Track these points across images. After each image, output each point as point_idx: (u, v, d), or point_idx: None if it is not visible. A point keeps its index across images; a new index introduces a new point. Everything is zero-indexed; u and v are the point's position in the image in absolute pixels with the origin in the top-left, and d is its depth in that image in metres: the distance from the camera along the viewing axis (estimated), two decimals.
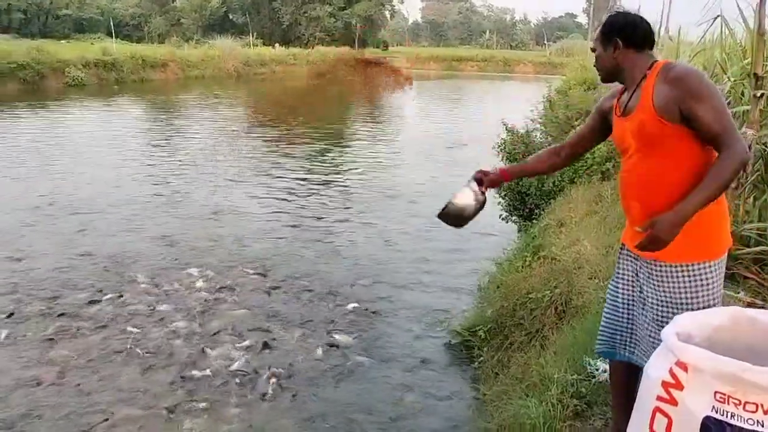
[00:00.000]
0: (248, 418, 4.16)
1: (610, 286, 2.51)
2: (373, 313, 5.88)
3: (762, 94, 3.78)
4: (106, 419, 4.03)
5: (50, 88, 24.10)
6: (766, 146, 4.08)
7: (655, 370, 1.88)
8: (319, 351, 5.11)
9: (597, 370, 2.91)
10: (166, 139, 15.51)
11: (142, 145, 14.37)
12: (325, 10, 54.02)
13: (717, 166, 2.09)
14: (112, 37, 37.77)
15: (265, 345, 5.12)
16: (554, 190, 7.03)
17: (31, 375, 4.56)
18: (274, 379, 4.60)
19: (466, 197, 2.63)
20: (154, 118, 19.56)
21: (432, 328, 5.63)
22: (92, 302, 5.79)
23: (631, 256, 2.37)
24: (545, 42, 67.42)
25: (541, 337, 4.25)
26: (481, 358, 4.88)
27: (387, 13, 65.49)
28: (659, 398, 1.83)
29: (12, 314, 5.48)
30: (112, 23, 42.82)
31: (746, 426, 1.71)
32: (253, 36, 47.18)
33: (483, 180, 2.66)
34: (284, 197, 10.02)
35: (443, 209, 2.67)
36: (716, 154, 2.13)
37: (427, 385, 4.75)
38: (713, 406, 1.75)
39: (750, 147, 3.51)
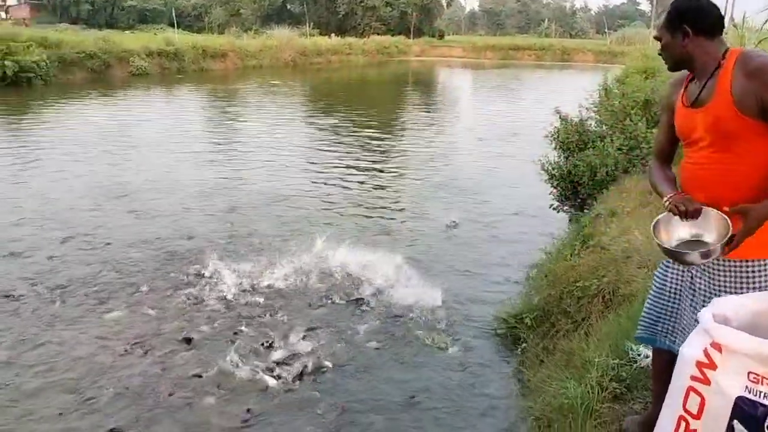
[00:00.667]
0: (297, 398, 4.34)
1: (657, 273, 2.51)
2: (423, 299, 5.96)
3: None
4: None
5: (116, 76, 25.00)
6: None
7: (689, 350, 1.91)
8: (370, 334, 5.26)
9: (639, 355, 2.93)
10: (225, 126, 15.93)
11: (202, 132, 14.82)
12: None
13: None
14: (174, 27, 38.81)
15: (312, 329, 5.30)
16: (607, 180, 6.94)
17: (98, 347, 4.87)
18: (328, 362, 4.75)
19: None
20: (215, 106, 20.07)
21: (480, 316, 5.68)
22: (154, 283, 6.09)
23: None
24: (606, 30, 65.60)
25: (587, 326, 4.25)
26: (526, 345, 4.91)
27: (443, 2, 65.01)
28: (693, 378, 1.87)
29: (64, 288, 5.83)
30: (174, 14, 44.09)
31: None
32: (309, 26, 47.67)
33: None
34: (338, 183, 10.18)
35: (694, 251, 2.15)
36: None
37: (474, 370, 4.82)
38: (746, 386, 1.77)
39: None
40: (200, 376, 4.48)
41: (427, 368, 4.83)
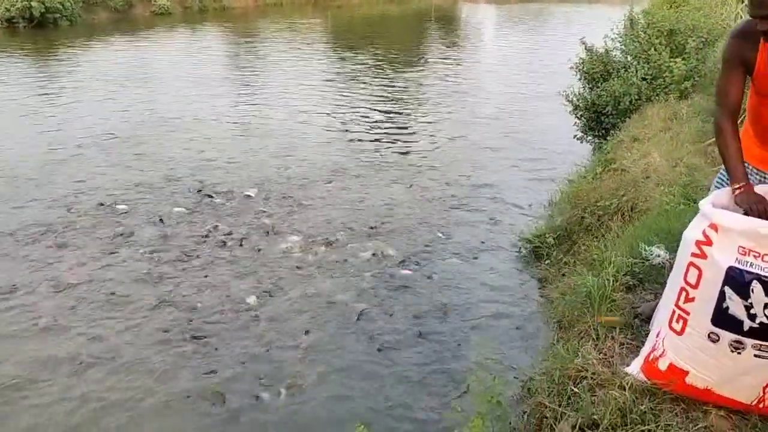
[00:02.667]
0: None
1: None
2: (449, 230, 6.34)
3: None
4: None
5: (138, 16, 25.01)
6: None
7: (691, 233, 2.25)
8: (403, 260, 5.68)
9: (651, 254, 3.27)
10: (246, 65, 16.11)
11: (225, 73, 15.03)
12: None
13: None
14: None
15: (344, 261, 5.74)
16: (630, 109, 7.14)
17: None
18: (363, 305, 5.12)
19: None
20: (236, 45, 20.16)
21: (504, 237, 6.05)
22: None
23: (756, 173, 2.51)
24: None
25: (607, 239, 4.59)
26: (549, 261, 5.29)
27: None
28: (692, 254, 2.22)
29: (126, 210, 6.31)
30: None
31: (763, 273, 2.08)
32: None
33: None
34: (362, 120, 10.46)
35: None
36: None
37: (499, 285, 5.23)
38: (736, 258, 2.12)
39: None
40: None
41: (457, 285, 5.24)
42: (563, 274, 4.82)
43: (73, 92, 11.93)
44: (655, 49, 7.36)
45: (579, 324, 3.32)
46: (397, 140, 9.27)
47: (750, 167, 2.48)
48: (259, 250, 5.66)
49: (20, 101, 11.12)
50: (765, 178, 2.49)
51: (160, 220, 6.26)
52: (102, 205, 6.62)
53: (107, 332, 4.45)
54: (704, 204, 2.26)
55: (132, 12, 25.06)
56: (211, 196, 6.85)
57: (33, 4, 20.08)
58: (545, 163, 8.26)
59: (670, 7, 9.44)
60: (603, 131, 7.66)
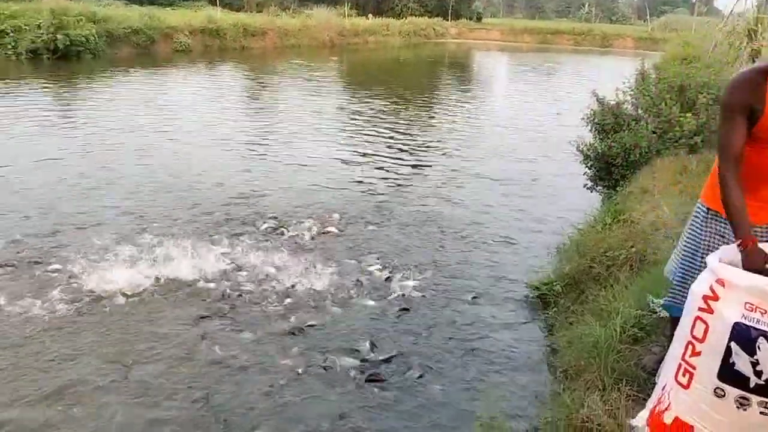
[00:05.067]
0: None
1: (687, 245, 2.81)
2: (454, 273, 6.37)
3: None
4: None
5: (160, 52, 25.65)
6: None
7: (698, 287, 2.29)
8: (404, 297, 5.71)
9: (659, 307, 3.28)
10: (262, 103, 16.44)
11: (241, 110, 15.33)
12: None
13: None
14: (214, 4, 39.34)
15: (359, 282, 5.77)
16: (640, 161, 7.21)
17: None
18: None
19: None
20: (254, 82, 20.60)
21: (512, 283, 6.06)
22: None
23: (721, 221, 2.61)
24: (648, 17, 64.31)
25: (615, 290, 4.60)
26: (557, 309, 5.28)
27: None
28: (699, 309, 2.25)
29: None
30: None
31: None
32: (347, 6, 47.80)
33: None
34: (375, 160, 10.58)
35: None
36: None
37: (505, 332, 5.20)
38: (743, 314, 2.15)
39: None
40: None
41: (461, 329, 5.23)
42: (570, 323, 4.81)
43: (90, 122, 12.18)
44: (666, 104, 7.47)
45: (585, 374, 3.33)
46: (405, 183, 9.37)
47: (717, 215, 2.59)
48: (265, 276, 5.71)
49: (40, 130, 11.36)
50: (757, 231, 2.51)
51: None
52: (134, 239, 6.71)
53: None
54: (712, 259, 2.30)
55: (154, 48, 25.71)
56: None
57: (58, 36, 20.66)
58: (553, 209, 8.32)
59: (681, 63, 9.62)
60: (613, 182, 7.71)
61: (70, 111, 13.63)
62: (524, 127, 14.20)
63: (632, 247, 4.93)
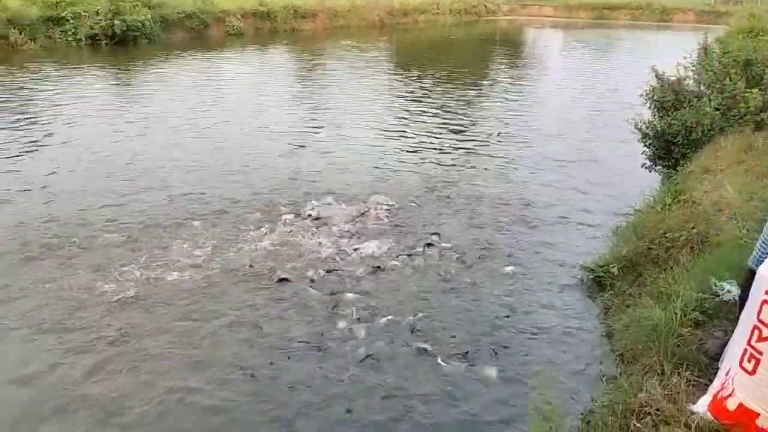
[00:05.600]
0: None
1: None
2: (509, 254, 6.30)
3: None
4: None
5: (212, 36, 26.01)
6: None
7: (766, 270, 2.19)
8: (464, 274, 5.69)
9: (722, 290, 3.17)
10: (314, 83, 16.49)
11: (292, 89, 15.44)
12: None
13: None
14: None
15: (412, 262, 5.78)
16: (702, 139, 6.95)
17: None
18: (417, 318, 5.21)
19: None
20: (305, 64, 20.68)
21: (566, 265, 5.96)
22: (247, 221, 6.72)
23: None
24: None
25: (675, 272, 4.47)
26: (613, 292, 5.17)
27: None
28: (767, 292, 2.15)
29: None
30: None
31: None
32: None
33: None
34: (426, 140, 10.51)
35: None
36: None
37: (560, 313, 5.15)
38: None
39: None
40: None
41: (516, 310, 5.18)
42: (627, 306, 4.70)
43: (145, 105, 12.50)
44: (731, 79, 7.15)
45: (644, 358, 3.26)
46: (457, 163, 9.29)
47: None
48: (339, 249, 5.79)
49: (98, 113, 11.73)
50: None
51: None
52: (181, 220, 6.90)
53: None
54: None
55: (207, 32, 26.07)
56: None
57: (115, 22, 21.16)
58: (610, 190, 8.11)
59: (747, 36, 9.17)
60: (673, 161, 7.47)
61: (126, 95, 14.02)
62: (579, 105, 13.86)
63: (693, 228, 4.77)
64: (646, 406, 2.67)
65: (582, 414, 3.24)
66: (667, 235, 4.97)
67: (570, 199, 7.87)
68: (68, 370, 4.20)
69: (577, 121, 12.28)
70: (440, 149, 10.00)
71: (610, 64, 21.94)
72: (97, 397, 3.95)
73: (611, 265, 5.42)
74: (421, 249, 6.17)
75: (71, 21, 21.05)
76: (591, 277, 5.56)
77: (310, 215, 6.93)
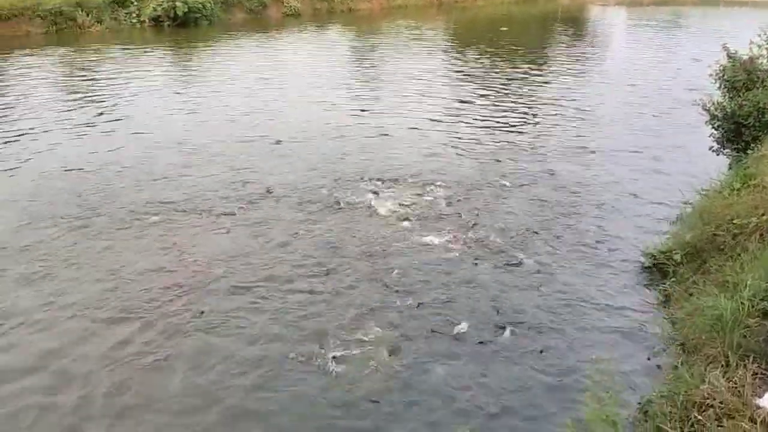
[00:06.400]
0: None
1: None
2: (569, 237, 6.17)
3: None
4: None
5: (271, 17, 26.24)
6: None
7: None
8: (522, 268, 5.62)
9: None
10: (370, 64, 16.44)
11: (348, 70, 15.44)
12: None
13: None
14: None
15: (469, 247, 5.73)
16: None
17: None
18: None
19: None
20: (362, 44, 20.63)
21: (627, 250, 5.79)
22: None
23: None
24: None
25: (742, 260, 4.27)
26: (675, 280, 4.99)
27: None
28: None
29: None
30: None
31: None
32: None
33: None
34: (483, 123, 10.35)
35: None
36: None
37: (620, 298, 5.01)
38: None
39: None
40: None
41: (575, 294, 5.08)
42: (690, 294, 4.54)
43: (205, 83, 12.79)
44: None
45: (707, 348, 3.14)
46: (516, 146, 9.11)
47: None
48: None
49: (161, 91, 12.11)
50: None
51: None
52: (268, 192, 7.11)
53: None
54: None
55: (265, 13, 26.32)
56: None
57: (177, 4, 21.61)
58: (675, 173, 7.82)
59: None
60: (743, 144, 7.11)
61: (186, 74, 14.33)
62: (644, 84, 13.37)
63: (763, 214, 4.55)
64: (708, 398, 2.58)
65: (639, 404, 3.16)
66: (734, 222, 4.76)
67: (632, 182, 7.62)
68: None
69: (641, 102, 11.84)
70: (499, 130, 9.82)
71: (677, 42, 21.06)
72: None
73: (674, 252, 5.23)
74: (479, 231, 6.11)
75: (135, 3, 21.67)
76: (652, 263, 5.38)
77: (365, 198, 6.92)
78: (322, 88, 12.84)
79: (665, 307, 4.79)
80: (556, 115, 10.91)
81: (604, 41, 22.84)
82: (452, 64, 16.28)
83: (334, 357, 4.17)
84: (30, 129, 9.42)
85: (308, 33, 22.91)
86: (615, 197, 7.11)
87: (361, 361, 4.15)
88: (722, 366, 2.72)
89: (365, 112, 10.86)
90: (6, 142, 8.83)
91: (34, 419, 3.68)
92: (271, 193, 7.06)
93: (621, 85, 13.60)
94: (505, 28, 24.06)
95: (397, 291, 5.05)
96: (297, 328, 4.57)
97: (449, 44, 21.29)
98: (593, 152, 8.74)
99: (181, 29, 21.57)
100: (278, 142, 8.91)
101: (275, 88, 12.66)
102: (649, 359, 4.06)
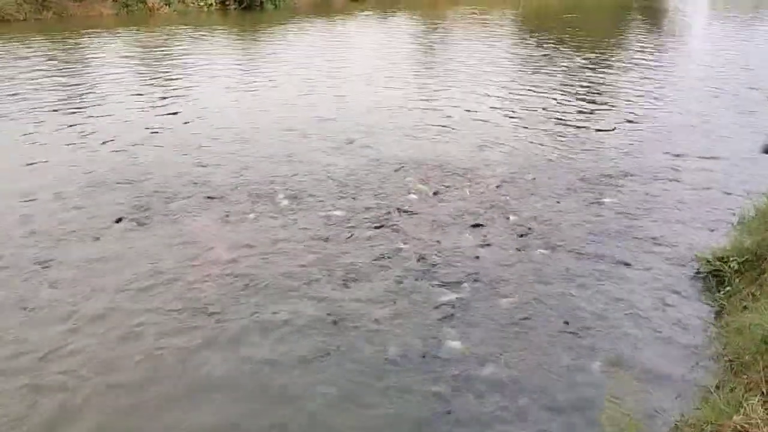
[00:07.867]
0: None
1: None
2: (618, 235, 5.77)
3: None
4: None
5: (336, 2, 26.25)
6: None
7: None
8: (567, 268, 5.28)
9: None
10: (435, 51, 16.13)
11: (413, 56, 15.20)
12: None
13: None
14: None
15: (505, 241, 5.45)
16: None
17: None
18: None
19: None
20: (427, 31, 20.31)
21: (681, 255, 5.33)
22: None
23: None
24: None
25: None
26: (730, 289, 4.54)
27: None
28: None
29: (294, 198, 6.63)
30: None
31: None
32: None
33: None
34: (546, 115, 9.88)
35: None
36: None
37: (670, 306, 4.59)
38: None
39: None
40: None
41: (617, 297, 4.71)
42: (744, 307, 4.10)
43: (270, 67, 12.97)
44: None
45: (749, 371, 2.77)
46: (583, 139, 8.62)
47: None
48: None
49: (227, 73, 12.37)
50: None
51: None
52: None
53: None
54: None
55: None
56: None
57: None
58: (739, 173, 7.20)
59: None
60: None
61: (251, 57, 14.47)
62: (719, 77, 12.50)
63: None
64: (741, 430, 2.24)
65: (666, 431, 2.81)
66: None
67: (693, 180, 7.06)
68: None
69: (714, 96, 11.05)
70: (563, 124, 9.31)
71: (763, 36, 19.71)
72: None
73: (731, 258, 4.77)
74: (529, 227, 5.81)
75: None
76: (707, 270, 4.92)
77: (420, 188, 6.72)
78: (386, 75, 12.65)
79: (716, 320, 4.36)
80: (623, 109, 10.23)
81: (684, 32, 21.67)
82: (521, 53, 15.75)
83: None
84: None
85: (374, 18, 22.79)
86: (670, 197, 6.57)
87: None
88: (762, 394, 2.37)
89: (427, 101, 10.51)
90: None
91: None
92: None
93: (698, 77, 12.76)
94: (572, 15, 23.20)
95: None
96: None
97: (519, 32, 20.65)
98: (654, 149, 8.15)
99: (247, 13, 21.86)
100: (350, 141, 8.40)
101: (339, 73, 12.64)
102: (687, 378, 3.65)
